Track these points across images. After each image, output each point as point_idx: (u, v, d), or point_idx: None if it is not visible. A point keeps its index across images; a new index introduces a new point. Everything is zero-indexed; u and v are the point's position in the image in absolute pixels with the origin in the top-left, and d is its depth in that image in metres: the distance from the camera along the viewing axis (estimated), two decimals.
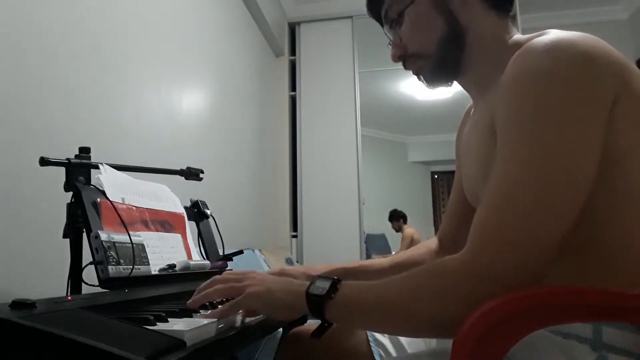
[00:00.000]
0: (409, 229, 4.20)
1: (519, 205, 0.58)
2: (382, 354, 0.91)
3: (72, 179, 0.86)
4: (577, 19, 3.44)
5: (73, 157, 0.88)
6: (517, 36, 0.78)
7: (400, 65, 0.87)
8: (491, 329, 0.53)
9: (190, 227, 1.13)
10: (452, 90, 0.89)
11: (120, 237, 0.82)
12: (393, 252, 3.83)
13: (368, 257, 3.29)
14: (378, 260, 1.07)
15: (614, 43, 0.64)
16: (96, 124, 1.32)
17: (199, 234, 1.18)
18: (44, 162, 0.83)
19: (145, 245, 0.89)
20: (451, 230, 1.04)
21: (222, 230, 1.25)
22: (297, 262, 3.02)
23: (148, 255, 0.88)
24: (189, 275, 0.96)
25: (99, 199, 0.86)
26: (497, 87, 0.70)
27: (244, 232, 2.55)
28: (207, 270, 1.02)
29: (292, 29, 3.59)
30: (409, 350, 0.92)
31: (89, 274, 0.82)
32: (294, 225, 3.35)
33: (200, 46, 2.12)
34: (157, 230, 0.99)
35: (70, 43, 1.24)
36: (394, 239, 4.11)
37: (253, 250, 2.15)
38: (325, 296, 0.66)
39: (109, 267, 0.78)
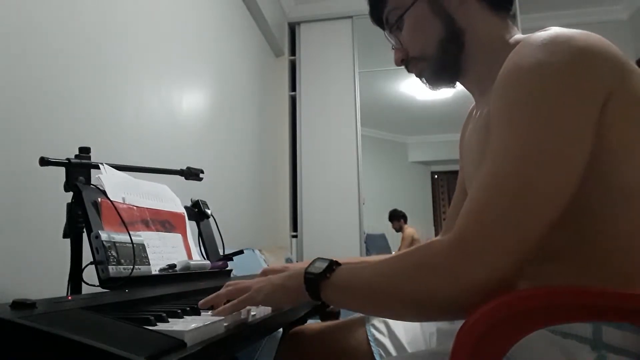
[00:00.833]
0: (409, 229, 4.20)
1: (507, 187, 0.58)
2: (382, 353, 0.91)
3: (72, 179, 0.86)
4: (577, 19, 3.44)
5: (73, 157, 0.88)
6: (518, 36, 0.78)
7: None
8: (491, 329, 0.53)
9: (190, 227, 1.13)
10: (452, 90, 0.90)
11: (121, 237, 0.82)
12: (393, 252, 3.83)
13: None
14: (381, 257, 1.07)
15: (613, 43, 0.64)
16: (96, 124, 1.32)
17: (200, 234, 1.19)
18: (44, 162, 0.83)
19: (146, 245, 0.89)
20: None
21: (222, 230, 1.25)
22: (297, 262, 3.01)
23: (148, 255, 0.88)
24: (190, 275, 0.95)
25: (99, 199, 0.87)
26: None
27: (244, 232, 2.55)
28: (207, 270, 1.01)
29: (292, 29, 3.59)
30: (409, 350, 0.92)
31: (90, 274, 0.82)
32: (294, 225, 3.35)
33: (200, 46, 2.12)
34: (157, 230, 0.99)
35: (70, 43, 1.24)
36: (394, 239, 4.11)
37: (253, 250, 2.15)
38: (320, 275, 0.67)
39: (110, 267, 0.78)
